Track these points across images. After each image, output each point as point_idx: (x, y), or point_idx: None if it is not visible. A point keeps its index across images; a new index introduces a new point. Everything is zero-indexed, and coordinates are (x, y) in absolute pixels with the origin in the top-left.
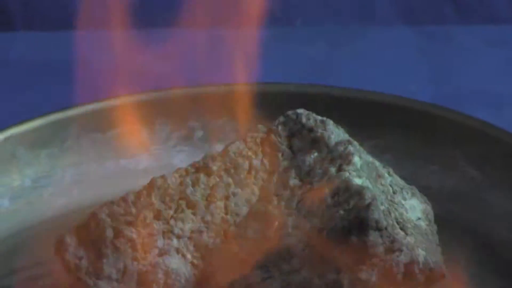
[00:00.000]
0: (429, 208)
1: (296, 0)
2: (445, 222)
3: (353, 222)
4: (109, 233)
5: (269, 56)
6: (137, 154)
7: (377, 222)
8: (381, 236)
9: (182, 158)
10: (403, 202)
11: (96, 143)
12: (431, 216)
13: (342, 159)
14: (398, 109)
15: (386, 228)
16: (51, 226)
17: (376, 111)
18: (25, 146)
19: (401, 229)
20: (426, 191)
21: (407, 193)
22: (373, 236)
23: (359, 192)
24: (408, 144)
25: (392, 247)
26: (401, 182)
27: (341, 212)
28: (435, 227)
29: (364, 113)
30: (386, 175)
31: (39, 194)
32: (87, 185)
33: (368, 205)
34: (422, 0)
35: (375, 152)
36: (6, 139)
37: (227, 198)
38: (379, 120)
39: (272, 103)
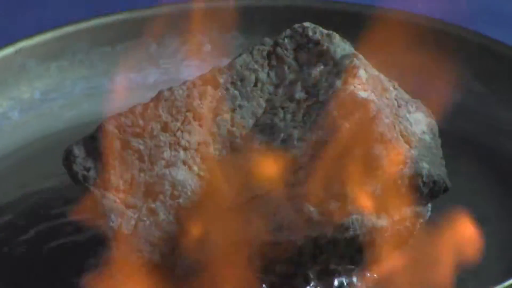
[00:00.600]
0: (433, 122)
1: None
2: (449, 136)
3: (358, 135)
4: (117, 144)
5: None
6: (146, 68)
7: (381, 134)
8: (386, 149)
9: (190, 72)
10: (407, 115)
11: (106, 57)
12: (436, 129)
13: (347, 73)
14: (403, 25)
15: (390, 141)
16: (61, 138)
17: (382, 27)
18: (36, 59)
19: (406, 142)
20: (432, 107)
21: (412, 106)
22: (378, 149)
23: (364, 104)
24: (414, 60)
25: (397, 160)
26: (406, 96)
27: (346, 124)
28: (439, 141)
29: (370, 29)
30: (391, 88)
31: (49, 106)
32: (96, 98)
33: (373, 118)
34: None
35: (381, 67)
36: (17, 52)
37: (233, 110)
38: (385, 36)
39: (279, 17)
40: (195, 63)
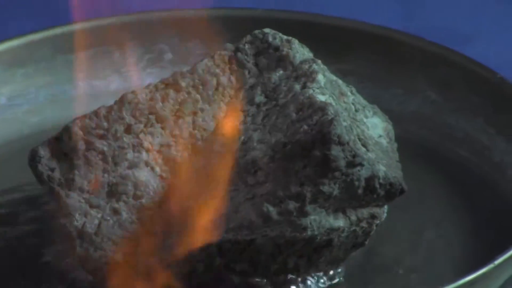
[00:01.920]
0: (390, 127)
1: None
2: (405, 142)
3: (316, 137)
4: (81, 145)
5: None
6: (108, 76)
7: (339, 136)
8: (343, 151)
9: (151, 80)
10: (365, 119)
11: (70, 64)
12: (392, 134)
13: (306, 77)
14: (361, 34)
15: (348, 143)
16: (25, 143)
17: (340, 36)
18: (2, 65)
19: (363, 145)
20: (388, 114)
21: (369, 111)
22: (335, 151)
23: (322, 108)
24: (371, 68)
25: (354, 161)
26: (363, 101)
27: (305, 127)
28: (395, 145)
29: (328, 38)
30: (349, 93)
31: (14, 112)
32: (60, 105)
33: (331, 120)
34: None
35: (339, 75)
36: None
37: (195, 113)
38: (342, 45)
39: (239, 27)
40: (156, 71)
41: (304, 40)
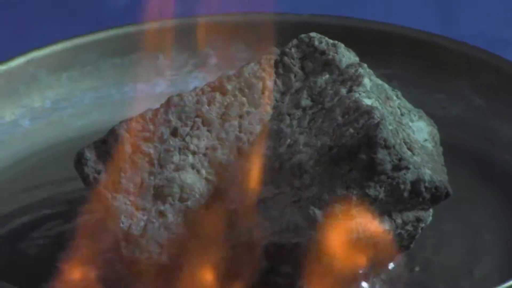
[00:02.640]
0: (435, 131)
1: None
2: (450, 147)
3: (362, 140)
4: (128, 148)
5: None
6: (154, 79)
7: (385, 140)
8: (389, 154)
9: (196, 84)
10: (410, 123)
11: (115, 68)
12: (437, 138)
13: (352, 81)
14: (405, 39)
15: (394, 147)
16: (70, 147)
17: (384, 41)
18: (47, 69)
19: (409, 149)
20: (432, 118)
21: (415, 115)
22: (381, 154)
23: (368, 111)
24: (415, 73)
25: (400, 165)
26: (409, 105)
27: (351, 130)
28: (441, 149)
29: (372, 43)
30: (395, 97)
31: (59, 115)
32: (105, 108)
33: (377, 124)
34: None
35: (383, 80)
36: (29, 62)
37: (241, 116)
38: (386, 50)
39: (285, 32)
40: (201, 75)
41: (349, 45)
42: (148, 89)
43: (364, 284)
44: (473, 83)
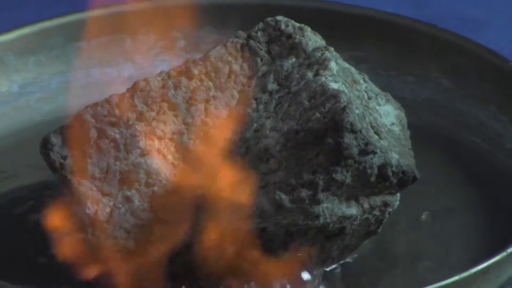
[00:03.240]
0: (402, 114)
1: None
2: (418, 130)
3: (328, 124)
4: (93, 133)
5: None
6: (120, 63)
7: (351, 124)
8: (356, 139)
9: (164, 67)
10: (377, 107)
11: (82, 52)
12: (405, 121)
13: (319, 64)
14: (374, 21)
15: (360, 131)
16: (38, 131)
17: (352, 24)
18: (14, 53)
19: (375, 133)
20: (401, 101)
21: (382, 99)
22: (348, 138)
23: (334, 95)
24: (383, 56)
25: (366, 149)
26: (376, 89)
27: (317, 114)
28: (408, 132)
29: (340, 25)
30: (361, 81)
31: (26, 99)
32: (72, 92)
33: (343, 108)
34: None
35: (351, 63)
36: None
37: (207, 101)
38: (355, 32)
39: (252, 14)
40: (169, 58)
41: (316, 28)
42: (115, 72)
43: (305, 275)
44: (442, 65)
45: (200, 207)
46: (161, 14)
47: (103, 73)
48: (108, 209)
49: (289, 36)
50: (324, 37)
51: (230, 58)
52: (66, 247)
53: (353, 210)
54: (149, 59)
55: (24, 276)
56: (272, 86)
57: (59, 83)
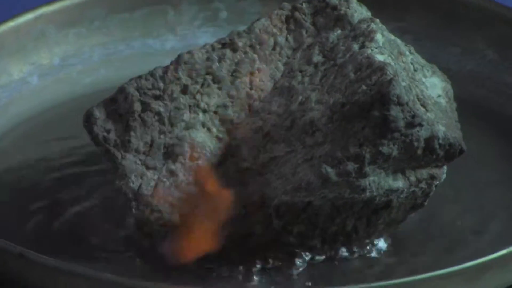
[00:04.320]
0: (449, 86)
1: None
2: (463, 102)
3: (375, 97)
4: (137, 106)
5: None
6: (163, 34)
7: (398, 97)
8: (402, 111)
9: (207, 39)
10: (423, 79)
11: (123, 23)
12: (451, 93)
13: (364, 36)
14: None
15: (407, 104)
16: (79, 104)
17: None
18: (55, 25)
19: (422, 105)
20: (446, 72)
21: (428, 71)
22: (394, 111)
23: (381, 67)
24: (429, 27)
25: (413, 122)
26: (422, 61)
27: (364, 87)
28: (454, 104)
29: None
30: (408, 53)
31: (67, 72)
32: (114, 64)
33: (390, 81)
34: None
35: (396, 34)
36: (37, 18)
37: (252, 73)
38: (400, 4)
39: None
40: (211, 30)
41: (361, 0)
42: (158, 44)
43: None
44: (488, 37)
45: (244, 181)
46: None
47: (145, 45)
48: (152, 183)
49: (335, 8)
50: (369, 8)
51: (275, 30)
52: None
53: (399, 183)
54: (191, 30)
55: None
56: (317, 58)
57: (101, 55)
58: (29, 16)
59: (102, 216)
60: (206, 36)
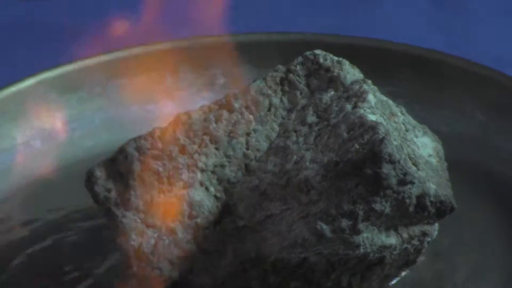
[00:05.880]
0: (439, 146)
1: None
2: (454, 162)
3: (367, 155)
4: (137, 166)
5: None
6: (161, 100)
7: (390, 155)
8: (394, 169)
9: (204, 104)
10: (415, 139)
11: (123, 89)
12: (442, 153)
13: (357, 97)
14: (409, 56)
15: (398, 162)
16: (81, 167)
17: (388, 59)
18: (56, 90)
19: (413, 164)
20: (436, 134)
21: (419, 131)
22: (386, 169)
23: (373, 127)
24: (419, 91)
25: (405, 179)
26: (413, 121)
27: (356, 146)
28: (445, 164)
29: (377, 60)
30: (399, 113)
31: (69, 136)
32: (114, 128)
33: (382, 139)
34: None
35: (388, 97)
36: (39, 83)
37: (248, 134)
38: (391, 68)
39: (290, 51)
40: (209, 95)
41: (353, 63)
42: (157, 109)
43: None
44: (477, 99)
45: (242, 239)
46: (200, 51)
47: (144, 110)
48: (152, 241)
49: (328, 70)
50: (361, 72)
51: (269, 92)
52: None
53: (392, 239)
54: (189, 96)
55: None
56: (311, 118)
57: (102, 119)
58: (31, 81)
59: None
60: (203, 102)
